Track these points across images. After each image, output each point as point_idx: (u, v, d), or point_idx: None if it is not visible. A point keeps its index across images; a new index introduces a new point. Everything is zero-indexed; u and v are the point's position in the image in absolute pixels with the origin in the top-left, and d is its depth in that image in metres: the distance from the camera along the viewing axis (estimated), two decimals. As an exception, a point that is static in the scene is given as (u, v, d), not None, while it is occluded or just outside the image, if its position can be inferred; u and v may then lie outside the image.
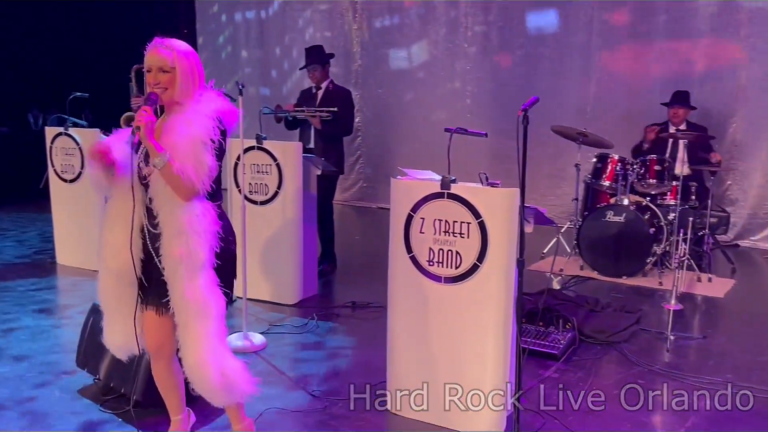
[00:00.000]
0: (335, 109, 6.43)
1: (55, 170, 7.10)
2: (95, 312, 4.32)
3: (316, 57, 6.80)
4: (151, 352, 3.37)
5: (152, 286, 3.18)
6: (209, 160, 2.99)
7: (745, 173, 8.57)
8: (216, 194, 3.18)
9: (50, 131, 7.11)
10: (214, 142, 2.99)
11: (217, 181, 3.15)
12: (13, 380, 4.45)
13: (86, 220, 6.96)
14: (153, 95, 3.04)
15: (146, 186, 3.09)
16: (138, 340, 3.21)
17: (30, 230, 8.98)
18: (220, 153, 3.06)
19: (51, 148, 7.08)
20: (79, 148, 6.88)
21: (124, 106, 7.49)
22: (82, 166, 6.88)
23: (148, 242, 3.13)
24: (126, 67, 7.81)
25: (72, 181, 6.99)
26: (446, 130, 4.16)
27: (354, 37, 11.01)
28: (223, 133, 3.07)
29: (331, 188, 6.89)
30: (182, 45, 3.11)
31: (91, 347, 4.26)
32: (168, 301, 3.10)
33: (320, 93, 6.77)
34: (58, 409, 4.07)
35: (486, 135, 4.27)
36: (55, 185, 7.16)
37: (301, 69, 7.02)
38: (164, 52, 3.03)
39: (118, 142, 3.14)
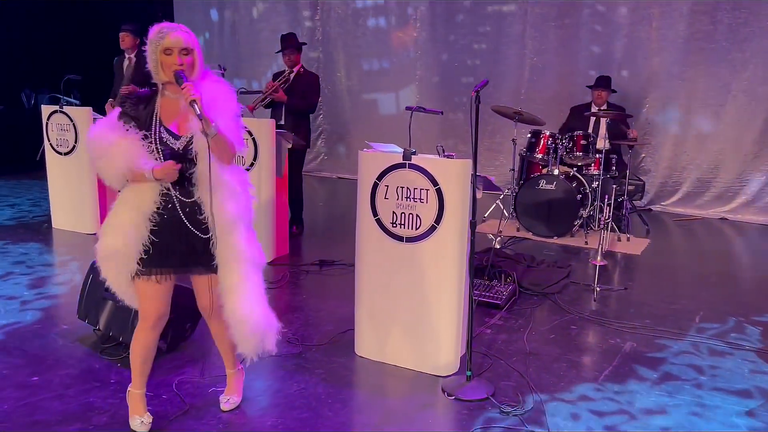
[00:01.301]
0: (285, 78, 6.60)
1: (50, 144, 6.90)
2: (94, 269, 4.23)
3: (294, 42, 6.71)
4: (205, 314, 3.17)
5: (197, 254, 2.98)
6: (242, 130, 3.01)
7: (657, 147, 8.71)
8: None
9: (46, 109, 6.90)
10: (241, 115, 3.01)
11: None
12: (18, 330, 4.34)
13: (79, 189, 6.81)
14: (182, 72, 2.85)
15: (178, 158, 2.89)
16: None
17: (23, 196, 8.74)
18: None
19: (47, 124, 6.88)
20: (73, 124, 6.70)
21: (106, 87, 7.45)
22: (76, 141, 6.71)
23: (180, 212, 2.92)
24: (106, 52, 7.70)
25: (66, 153, 6.80)
26: (407, 108, 4.15)
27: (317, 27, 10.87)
28: None
29: (300, 160, 6.80)
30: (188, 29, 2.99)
31: (91, 301, 4.16)
32: (215, 263, 2.97)
33: (292, 75, 6.66)
34: (60, 356, 3.98)
35: (441, 113, 4.28)
36: (50, 157, 6.96)
37: (277, 52, 6.90)
38: (183, 35, 2.87)
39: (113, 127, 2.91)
